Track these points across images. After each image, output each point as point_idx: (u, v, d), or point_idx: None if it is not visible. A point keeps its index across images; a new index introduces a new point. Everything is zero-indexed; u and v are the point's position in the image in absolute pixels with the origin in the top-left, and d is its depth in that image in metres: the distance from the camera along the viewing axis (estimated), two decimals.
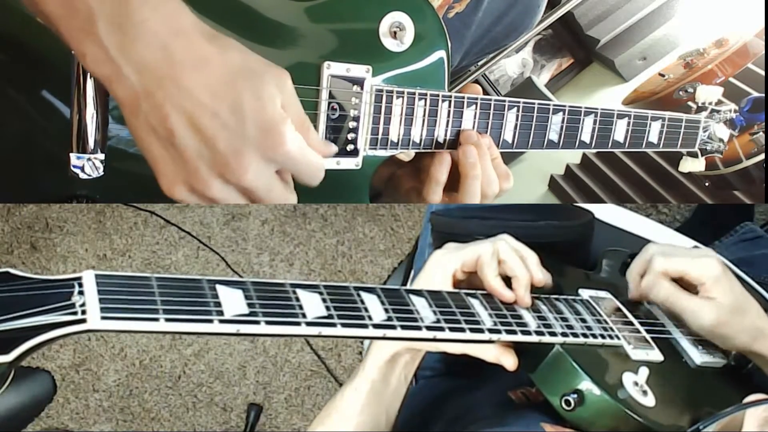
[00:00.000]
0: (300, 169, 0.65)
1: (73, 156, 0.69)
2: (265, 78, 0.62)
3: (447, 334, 0.61)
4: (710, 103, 1.07)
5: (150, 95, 0.58)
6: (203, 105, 0.58)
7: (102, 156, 0.70)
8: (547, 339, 0.66)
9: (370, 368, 0.71)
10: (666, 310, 0.80)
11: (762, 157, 1.13)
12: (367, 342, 1.60)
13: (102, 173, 0.71)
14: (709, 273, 0.74)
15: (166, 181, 0.61)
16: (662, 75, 1.74)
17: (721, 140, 1.09)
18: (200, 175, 0.60)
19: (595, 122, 0.93)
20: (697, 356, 0.78)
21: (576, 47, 1.96)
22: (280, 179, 0.65)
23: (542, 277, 0.72)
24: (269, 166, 0.62)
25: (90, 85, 0.67)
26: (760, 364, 0.76)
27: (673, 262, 0.76)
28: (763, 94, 1.17)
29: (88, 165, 0.70)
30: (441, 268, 0.72)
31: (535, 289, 0.72)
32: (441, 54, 0.84)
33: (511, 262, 0.71)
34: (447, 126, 0.84)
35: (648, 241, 1.00)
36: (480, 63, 1.68)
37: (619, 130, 0.95)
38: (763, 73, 1.58)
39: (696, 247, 0.99)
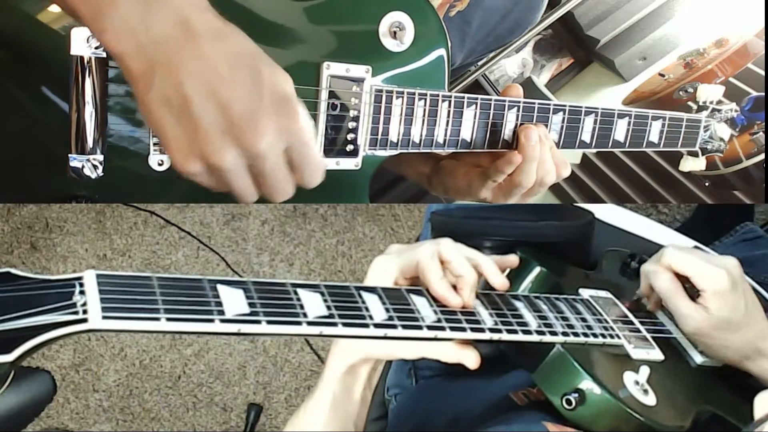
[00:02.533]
0: (304, 157, 0.64)
1: (72, 156, 0.69)
2: (276, 65, 0.62)
3: (448, 334, 0.61)
4: (711, 102, 1.07)
5: (165, 64, 0.58)
6: (220, 74, 0.59)
7: (101, 157, 0.70)
8: (548, 338, 0.66)
9: (329, 381, 0.69)
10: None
11: (762, 157, 1.13)
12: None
13: (101, 174, 0.71)
14: (712, 284, 0.73)
15: (180, 155, 0.60)
16: (662, 75, 1.73)
17: (722, 139, 1.09)
18: (215, 144, 0.59)
19: (595, 122, 0.92)
20: (698, 355, 0.78)
21: (576, 47, 1.95)
22: (286, 163, 0.64)
23: (501, 281, 0.69)
24: (281, 139, 0.62)
25: (89, 84, 0.68)
26: (756, 378, 0.76)
27: (682, 259, 0.75)
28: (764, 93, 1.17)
29: (87, 165, 0.70)
30: (381, 277, 0.67)
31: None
32: (441, 53, 0.84)
33: (456, 262, 0.66)
34: (447, 126, 0.84)
35: (648, 241, 1.01)
36: (480, 63, 1.68)
37: (620, 130, 0.95)
38: (763, 73, 1.58)
39: (696, 247, 0.99)
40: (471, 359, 0.65)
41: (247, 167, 0.62)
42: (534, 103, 0.88)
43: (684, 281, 0.75)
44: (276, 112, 0.61)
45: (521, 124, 0.87)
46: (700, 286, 0.74)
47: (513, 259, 0.73)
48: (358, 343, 0.69)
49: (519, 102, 0.87)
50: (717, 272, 0.73)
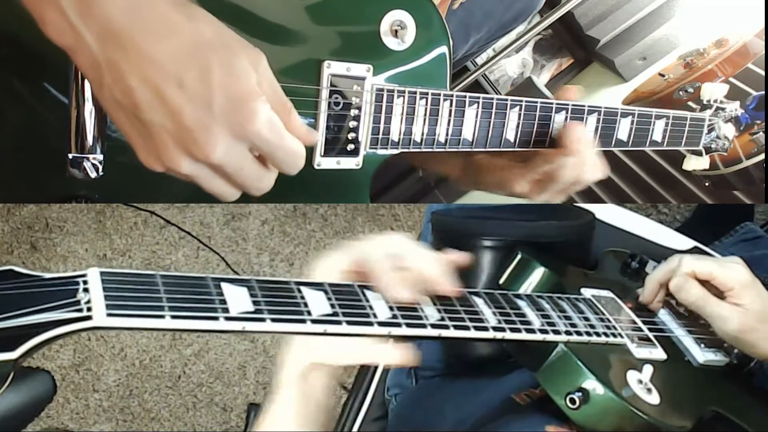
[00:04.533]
0: (274, 151, 0.60)
1: (71, 156, 0.69)
2: (238, 53, 0.58)
3: (451, 332, 0.61)
4: (715, 101, 1.06)
5: (113, 66, 0.55)
6: (169, 76, 0.55)
7: (101, 156, 0.70)
8: (551, 337, 0.66)
9: (286, 387, 0.65)
10: (691, 312, 0.80)
11: (762, 157, 1.13)
12: None
13: (101, 173, 0.70)
14: (737, 279, 0.74)
15: (142, 155, 0.58)
16: (662, 75, 1.73)
17: (726, 138, 1.08)
18: (169, 152, 0.57)
19: (598, 121, 0.92)
20: (700, 355, 0.78)
21: (576, 47, 1.96)
22: (254, 159, 0.61)
23: (450, 287, 0.63)
24: (240, 143, 0.58)
25: (88, 83, 0.67)
26: None
27: (702, 264, 0.76)
28: None
29: (87, 165, 0.69)
30: (324, 272, 0.63)
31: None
32: (442, 51, 0.84)
33: (410, 256, 0.62)
34: (448, 125, 0.84)
35: (648, 241, 1.01)
36: (480, 62, 1.68)
37: (623, 129, 0.95)
38: (763, 73, 1.58)
39: (696, 247, 0.99)
40: (406, 358, 0.59)
41: (210, 170, 0.59)
42: (536, 102, 0.88)
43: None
44: (229, 116, 0.57)
45: (567, 122, 0.87)
46: (727, 284, 0.74)
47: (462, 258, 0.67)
48: (304, 350, 0.65)
49: (521, 101, 0.87)
50: (736, 267, 0.75)
